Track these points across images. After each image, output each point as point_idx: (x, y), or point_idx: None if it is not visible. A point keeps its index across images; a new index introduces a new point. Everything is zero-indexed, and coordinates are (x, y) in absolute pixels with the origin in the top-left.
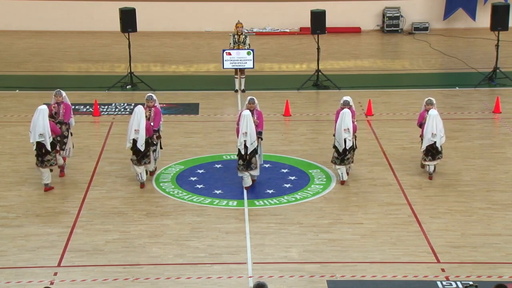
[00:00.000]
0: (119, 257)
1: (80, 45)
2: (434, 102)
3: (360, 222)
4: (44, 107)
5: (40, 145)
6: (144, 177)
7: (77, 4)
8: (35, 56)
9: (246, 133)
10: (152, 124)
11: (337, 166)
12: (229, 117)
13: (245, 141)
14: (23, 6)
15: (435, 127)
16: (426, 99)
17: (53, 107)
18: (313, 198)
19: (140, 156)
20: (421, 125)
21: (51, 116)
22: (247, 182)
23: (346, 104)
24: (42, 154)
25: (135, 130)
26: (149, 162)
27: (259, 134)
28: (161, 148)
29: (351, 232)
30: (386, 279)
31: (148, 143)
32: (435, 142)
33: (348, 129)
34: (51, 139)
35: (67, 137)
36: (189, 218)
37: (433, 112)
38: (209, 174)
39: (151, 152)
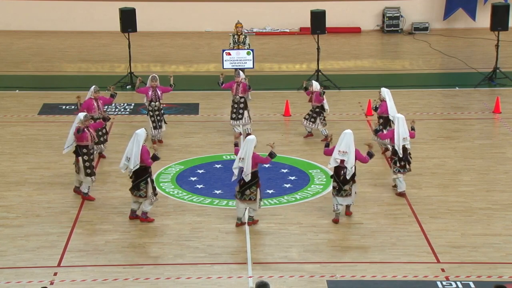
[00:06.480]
0: (119, 257)
1: (80, 45)
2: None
3: (360, 222)
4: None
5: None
6: (135, 212)
7: (77, 4)
8: (35, 56)
9: (242, 159)
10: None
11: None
12: (229, 117)
13: (241, 167)
14: (23, 6)
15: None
16: None
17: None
18: (313, 198)
19: (134, 183)
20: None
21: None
22: (240, 213)
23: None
24: None
25: (127, 158)
26: (145, 196)
27: (249, 87)
28: (165, 123)
29: (351, 232)
30: (386, 279)
31: (139, 173)
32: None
33: (346, 151)
34: (73, 146)
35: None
36: (189, 218)
37: (400, 115)
38: (209, 174)
39: (148, 186)
